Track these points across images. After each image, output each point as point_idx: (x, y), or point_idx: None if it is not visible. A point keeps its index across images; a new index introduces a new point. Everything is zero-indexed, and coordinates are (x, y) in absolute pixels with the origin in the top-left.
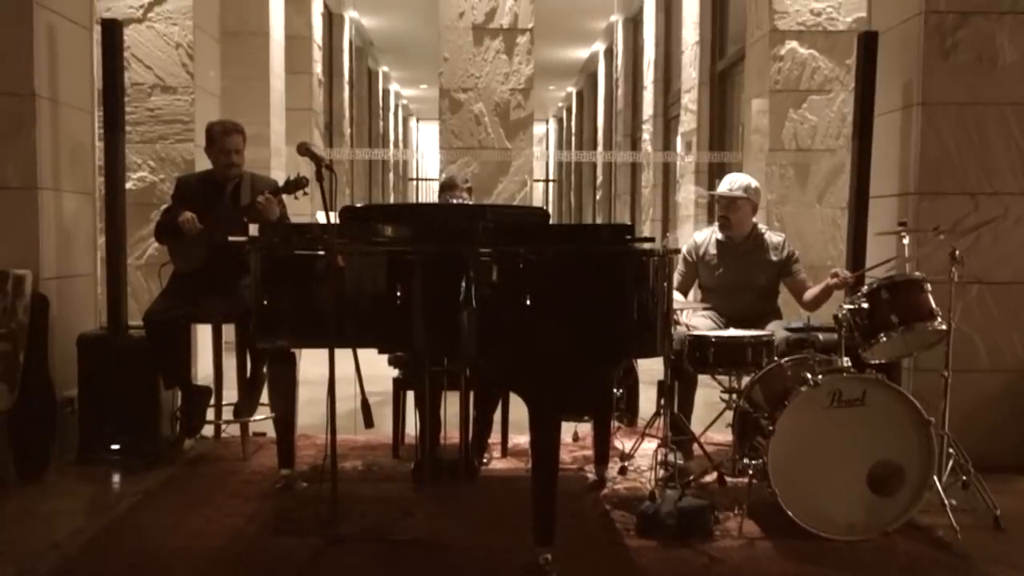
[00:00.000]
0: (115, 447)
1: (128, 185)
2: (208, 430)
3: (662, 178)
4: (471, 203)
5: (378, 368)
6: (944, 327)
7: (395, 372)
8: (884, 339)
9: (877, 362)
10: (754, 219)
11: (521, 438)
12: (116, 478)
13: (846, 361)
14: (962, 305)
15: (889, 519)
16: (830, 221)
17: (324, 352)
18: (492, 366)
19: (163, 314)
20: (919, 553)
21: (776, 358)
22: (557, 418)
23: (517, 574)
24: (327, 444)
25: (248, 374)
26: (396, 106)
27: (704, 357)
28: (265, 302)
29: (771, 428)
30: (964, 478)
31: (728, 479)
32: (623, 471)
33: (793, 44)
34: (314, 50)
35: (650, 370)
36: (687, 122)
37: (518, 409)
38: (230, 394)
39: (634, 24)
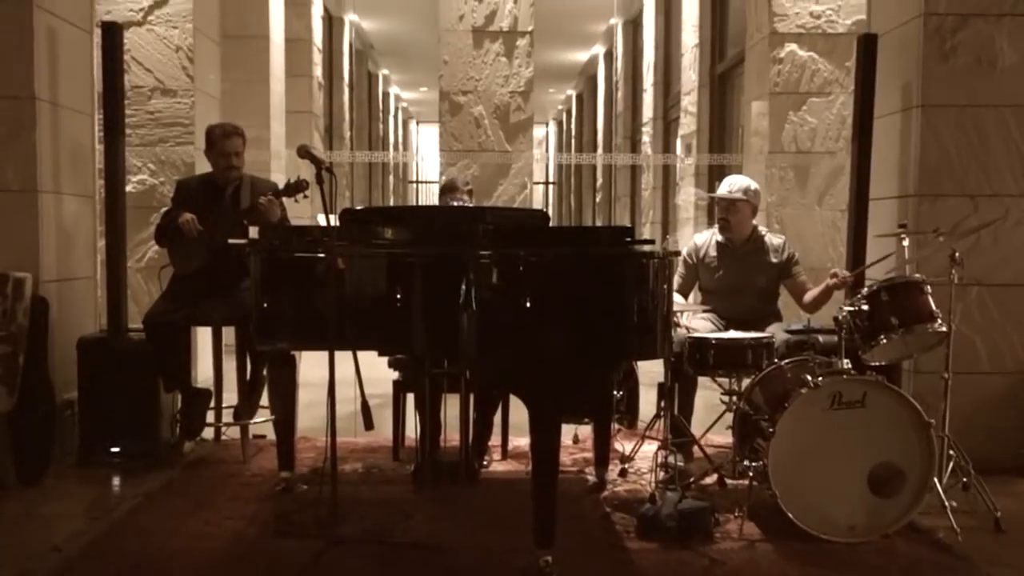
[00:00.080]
0: (115, 450)
1: (128, 188)
2: (208, 433)
3: (662, 180)
4: (472, 205)
5: (378, 370)
6: (944, 329)
7: (395, 374)
8: (884, 341)
9: (877, 364)
10: (754, 221)
11: (521, 440)
12: (116, 481)
13: (846, 363)
14: (962, 307)
15: (890, 521)
16: (830, 223)
17: (324, 354)
18: (492, 368)
19: (163, 316)
20: (920, 555)
21: (776, 360)
22: (557, 420)
23: None
24: (327, 446)
25: (248, 377)
26: (396, 109)
27: (704, 359)
28: (265, 304)
29: (771, 430)
30: (964, 480)
31: (728, 481)
32: (623, 473)
33: (793, 47)
34: (314, 53)
35: (650, 372)
36: (687, 124)
37: (518, 411)
38: (230, 397)
39: (634, 27)
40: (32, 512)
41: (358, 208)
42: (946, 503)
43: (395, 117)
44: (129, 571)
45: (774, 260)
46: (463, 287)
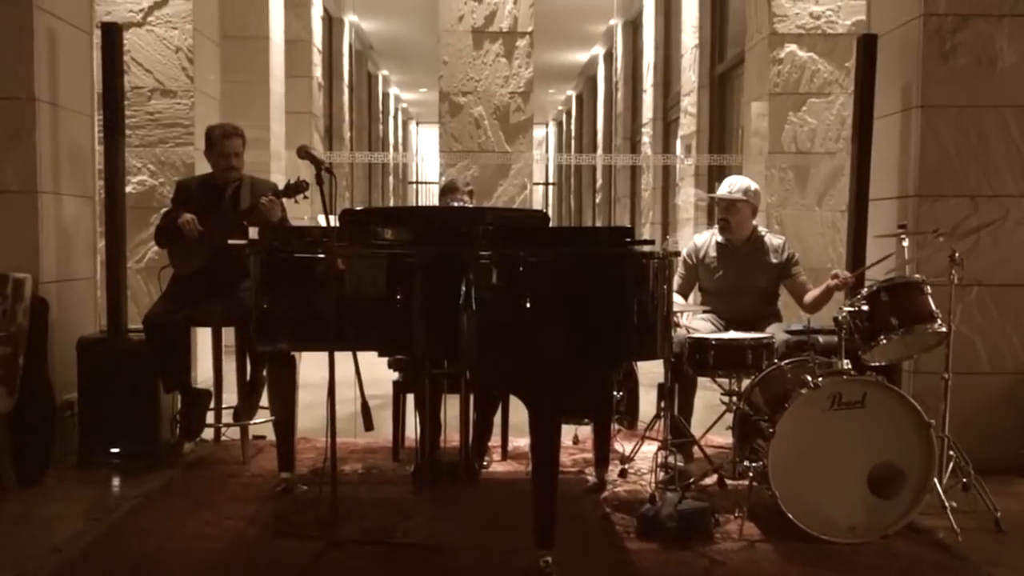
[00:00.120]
0: (115, 450)
1: (128, 189)
2: (208, 433)
3: (662, 181)
4: (472, 206)
5: (378, 371)
6: (944, 329)
7: (395, 375)
8: (884, 341)
9: (877, 364)
10: (754, 222)
11: (521, 441)
12: (116, 481)
13: (846, 363)
14: (962, 307)
15: (890, 521)
16: (830, 224)
17: (324, 355)
18: (492, 369)
19: (163, 317)
20: (920, 555)
21: (776, 360)
22: (557, 421)
23: None
24: (327, 447)
25: (248, 377)
26: (396, 110)
27: (704, 360)
28: (265, 305)
29: (771, 430)
30: (964, 480)
31: (728, 481)
32: (623, 474)
33: (792, 47)
34: (314, 54)
35: (650, 373)
36: (687, 125)
37: (518, 412)
38: (230, 397)
39: (633, 27)
40: (32, 513)
41: (358, 209)
42: (946, 503)
43: (395, 118)
44: (129, 572)
45: (774, 260)
46: (463, 288)
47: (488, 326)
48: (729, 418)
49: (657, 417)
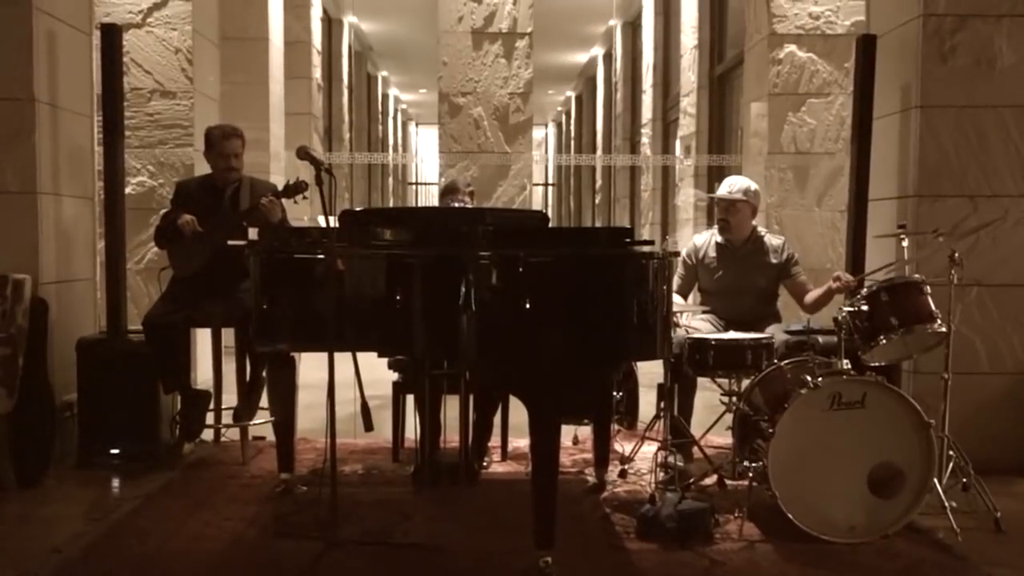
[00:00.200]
0: (114, 451)
1: (127, 190)
2: (208, 434)
3: (661, 182)
4: (471, 206)
5: (378, 372)
6: (944, 329)
7: (395, 376)
8: (884, 341)
9: (877, 364)
10: (753, 222)
11: (521, 441)
12: (116, 482)
13: (846, 363)
14: (962, 307)
15: (889, 521)
16: (829, 224)
17: (324, 356)
18: (492, 369)
19: (162, 318)
20: (920, 555)
21: (776, 361)
22: (557, 421)
23: None
24: (327, 448)
25: (248, 378)
26: (395, 110)
27: (704, 360)
28: (265, 306)
29: (771, 431)
30: (964, 480)
31: (728, 482)
32: (623, 474)
33: (792, 48)
34: (313, 55)
35: (650, 373)
36: (686, 126)
37: (518, 412)
38: (229, 398)
39: (633, 28)
40: (32, 513)
41: (357, 209)
42: (946, 503)
43: (394, 119)
44: (129, 572)
45: (773, 261)
46: (462, 288)
47: (488, 327)
48: (729, 418)
49: (657, 417)
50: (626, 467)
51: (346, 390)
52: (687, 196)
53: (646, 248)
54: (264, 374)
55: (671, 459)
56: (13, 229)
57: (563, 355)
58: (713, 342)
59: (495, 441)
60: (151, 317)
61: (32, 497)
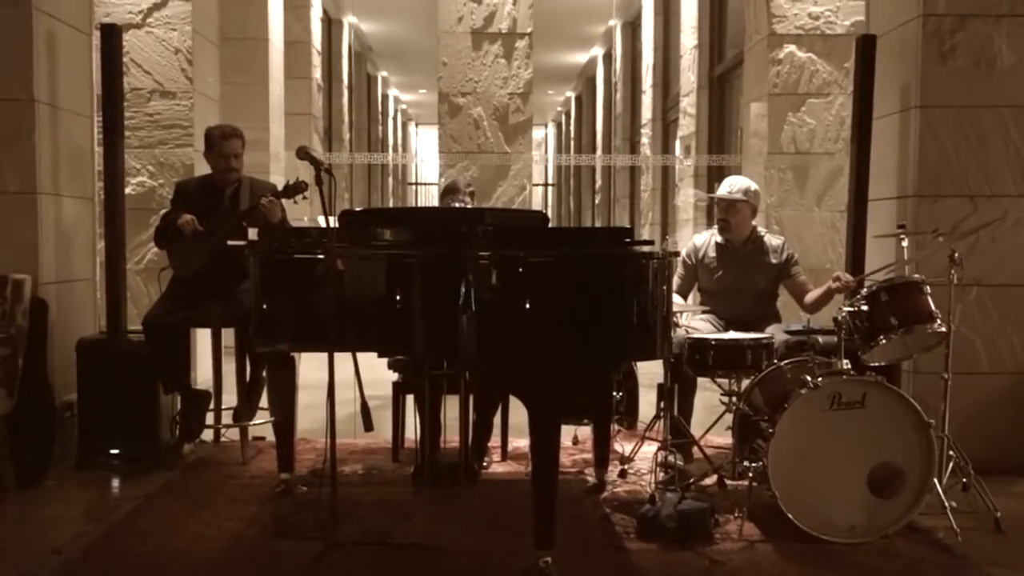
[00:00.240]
0: (114, 452)
1: (127, 190)
2: (208, 434)
3: (661, 182)
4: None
5: (378, 372)
6: (944, 329)
7: (395, 376)
8: (884, 341)
9: (877, 364)
10: (753, 222)
11: (521, 441)
12: (116, 483)
13: (846, 363)
14: (961, 307)
15: (889, 521)
16: (829, 224)
17: (323, 356)
18: (492, 369)
19: (162, 318)
20: (920, 555)
21: (776, 361)
22: (557, 421)
23: None
24: (327, 448)
25: (247, 378)
26: (395, 111)
27: (704, 360)
28: (265, 306)
29: (771, 431)
30: (964, 480)
31: (728, 482)
32: (623, 474)
33: (791, 48)
34: (313, 55)
35: (650, 373)
36: (686, 126)
37: (518, 412)
38: (229, 398)
39: (632, 28)
40: (32, 514)
41: (357, 210)
42: (946, 503)
43: (394, 119)
44: (129, 573)
45: (773, 261)
46: (462, 288)
47: (488, 327)
48: (729, 418)
49: (657, 417)
50: (626, 467)
51: (346, 390)
52: (687, 196)
53: (646, 248)
54: (264, 374)
55: (671, 459)
56: (13, 229)
57: (563, 355)
58: (713, 342)
59: (495, 441)
60: (151, 317)
61: (32, 498)
